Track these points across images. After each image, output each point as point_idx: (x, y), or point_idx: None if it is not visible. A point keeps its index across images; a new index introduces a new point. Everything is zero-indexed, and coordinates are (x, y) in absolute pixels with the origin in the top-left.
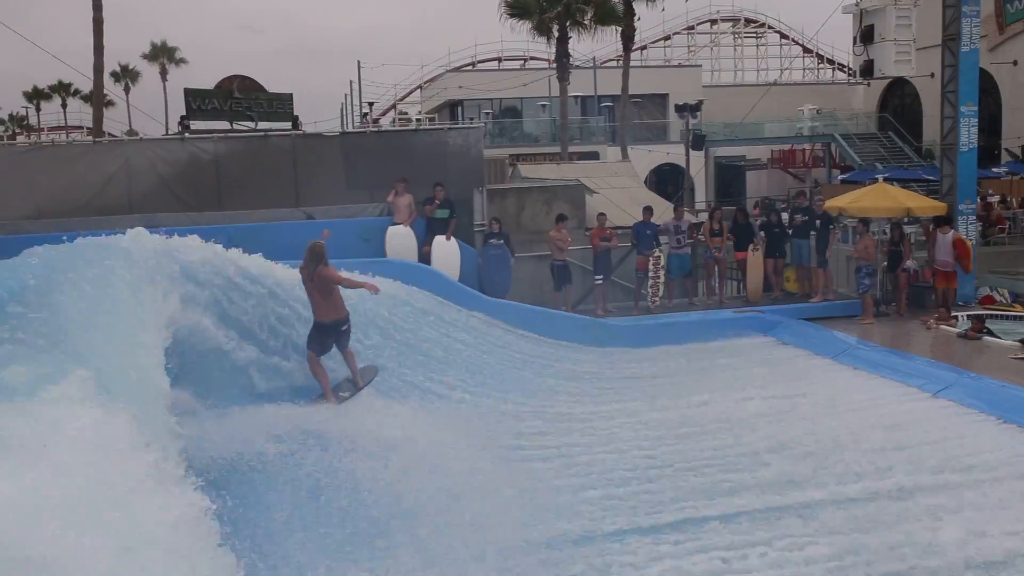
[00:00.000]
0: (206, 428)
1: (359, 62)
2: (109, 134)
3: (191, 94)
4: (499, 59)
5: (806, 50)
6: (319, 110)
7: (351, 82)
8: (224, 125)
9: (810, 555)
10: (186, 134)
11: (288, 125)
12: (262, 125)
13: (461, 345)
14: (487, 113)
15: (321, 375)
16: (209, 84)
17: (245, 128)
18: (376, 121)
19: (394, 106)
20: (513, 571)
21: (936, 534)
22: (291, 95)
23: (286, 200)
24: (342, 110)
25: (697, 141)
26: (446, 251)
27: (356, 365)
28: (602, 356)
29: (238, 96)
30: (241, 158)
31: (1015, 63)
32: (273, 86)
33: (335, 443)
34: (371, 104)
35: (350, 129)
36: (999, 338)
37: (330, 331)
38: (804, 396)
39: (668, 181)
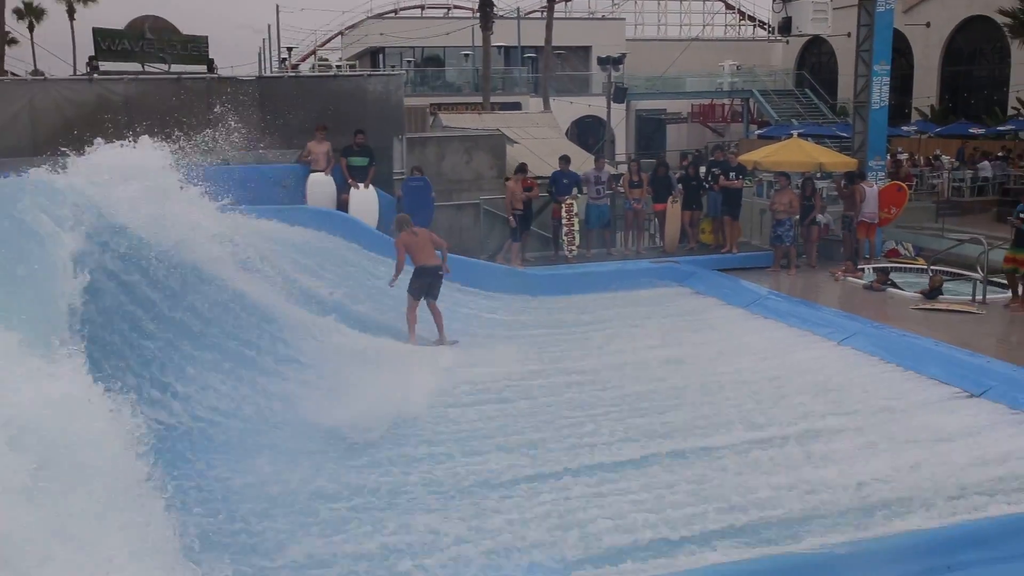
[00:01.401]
0: None
1: (277, 6)
2: (12, 73)
3: (100, 34)
4: (422, 7)
5: (728, 6)
6: (236, 55)
7: (269, 26)
8: (135, 67)
9: (710, 495)
10: (95, 75)
11: (203, 68)
12: (175, 68)
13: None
14: (409, 61)
15: (412, 320)
16: (120, 24)
17: (157, 70)
18: (295, 67)
19: (314, 52)
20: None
21: (835, 477)
22: (206, 37)
23: (201, 146)
24: (260, 55)
25: (619, 94)
26: (364, 199)
27: (442, 321)
28: (521, 305)
29: (150, 37)
30: (153, 101)
31: (928, 25)
32: (187, 28)
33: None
34: (290, 50)
35: (267, 74)
36: (902, 290)
37: (429, 273)
38: (716, 344)
39: (589, 133)
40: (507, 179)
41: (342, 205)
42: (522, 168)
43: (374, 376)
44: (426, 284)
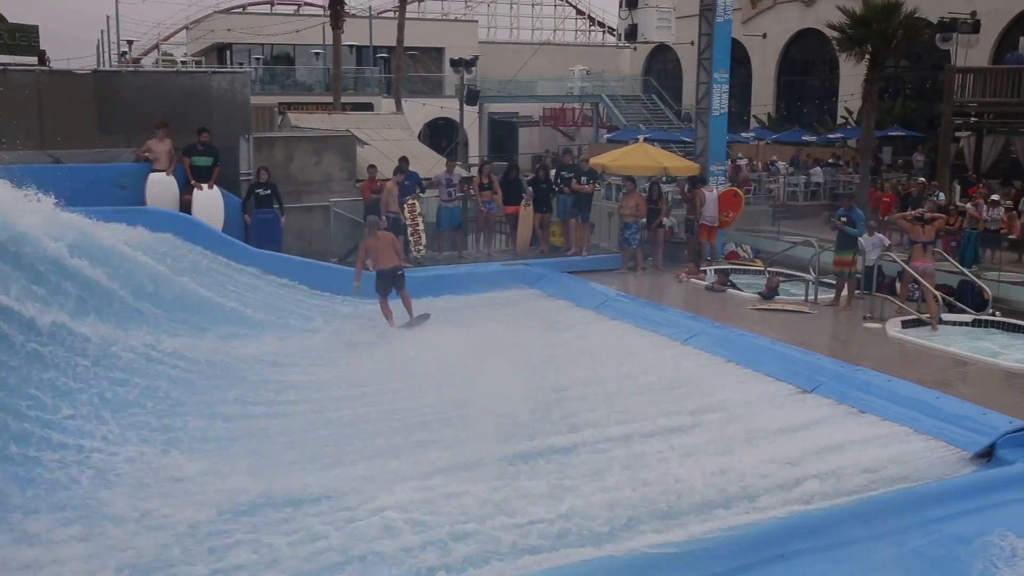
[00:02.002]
0: None
1: None
2: None
3: None
4: (271, 3)
5: (578, 11)
6: (74, 47)
7: (107, 18)
8: None
9: (556, 496)
10: None
11: (33, 60)
12: (1, 58)
13: (222, 298)
14: (257, 59)
15: (387, 313)
16: None
17: None
18: (137, 61)
19: (157, 46)
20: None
21: (680, 473)
22: (36, 27)
23: (29, 142)
24: (98, 48)
25: (471, 96)
26: (208, 200)
27: (411, 305)
28: (369, 309)
29: None
30: None
31: (764, 36)
32: (15, 16)
33: None
34: (130, 43)
35: (103, 68)
36: (741, 291)
37: (389, 276)
38: (565, 345)
39: (442, 135)
40: (366, 180)
41: (184, 206)
42: (371, 170)
43: None
44: (388, 285)
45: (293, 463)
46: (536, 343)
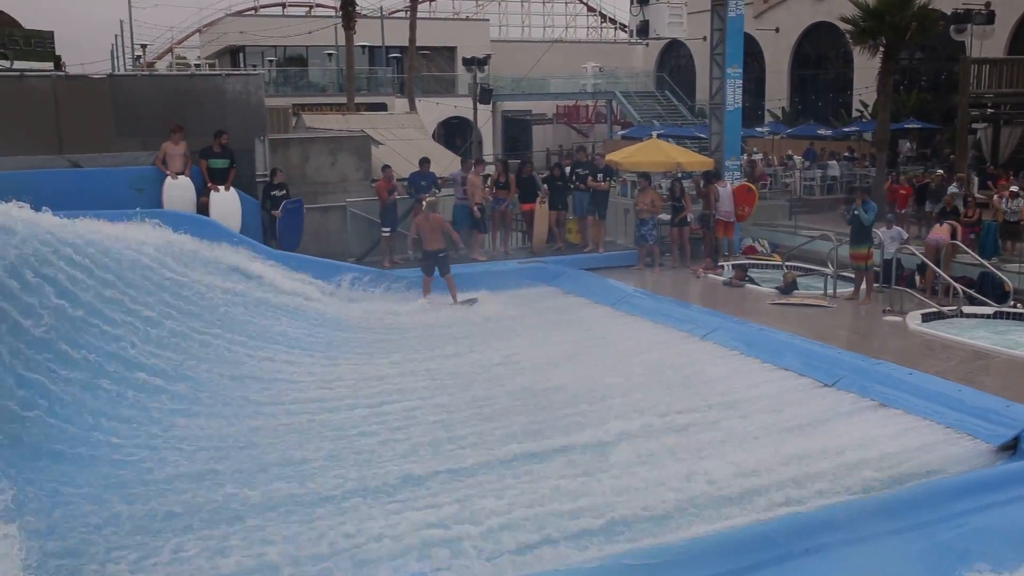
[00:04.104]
0: None
1: (129, 1)
2: None
3: None
4: (283, 4)
5: (590, 8)
6: (89, 51)
7: (121, 22)
8: None
9: (580, 492)
10: None
11: (49, 65)
12: (18, 64)
13: (238, 299)
14: (271, 61)
15: (425, 286)
16: None
17: None
18: (151, 65)
19: (170, 50)
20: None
21: (703, 468)
22: (52, 33)
23: (47, 147)
24: (112, 52)
25: (484, 95)
26: (225, 202)
27: (455, 287)
28: (386, 306)
29: None
30: None
31: (777, 30)
32: (30, 22)
33: None
34: (144, 47)
35: (119, 72)
36: (759, 285)
37: (432, 257)
38: (584, 342)
39: (456, 134)
40: (381, 180)
41: (201, 208)
42: (386, 169)
43: None
44: (431, 264)
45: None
46: (554, 340)
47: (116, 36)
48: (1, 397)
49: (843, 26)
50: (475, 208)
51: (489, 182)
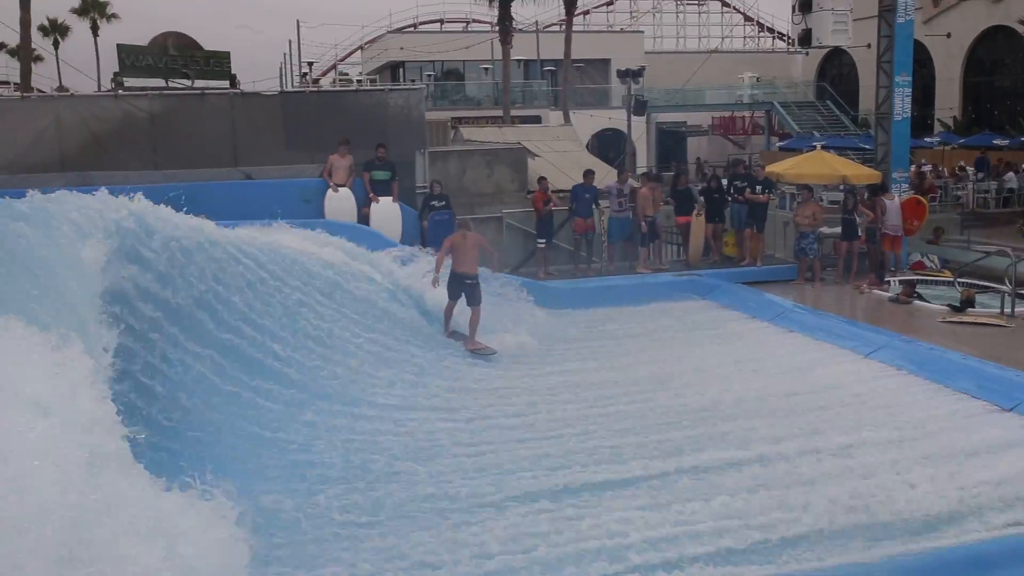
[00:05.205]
0: None
1: (298, 21)
2: (38, 90)
3: (124, 50)
4: (441, 21)
5: (747, 18)
6: (258, 69)
7: (290, 42)
8: (159, 83)
9: (741, 510)
10: (119, 91)
11: (226, 84)
12: (199, 83)
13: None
14: (429, 75)
15: (447, 315)
16: (143, 40)
17: (181, 86)
18: (316, 82)
19: (334, 67)
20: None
21: (866, 492)
22: (228, 53)
23: (224, 160)
24: (281, 70)
25: (639, 107)
26: (387, 213)
27: (476, 327)
28: (543, 318)
29: (173, 53)
30: (177, 117)
31: (948, 35)
32: (209, 44)
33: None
34: (311, 64)
35: (289, 89)
36: (928, 302)
37: (458, 280)
38: (741, 358)
39: (610, 146)
40: (537, 192)
41: (363, 219)
42: (541, 181)
43: None
44: (459, 289)
45: None
46: (709, 355)
47: (284, 54)
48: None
49: (1021, 29)
50: (643, 221)
51: (639, 195)
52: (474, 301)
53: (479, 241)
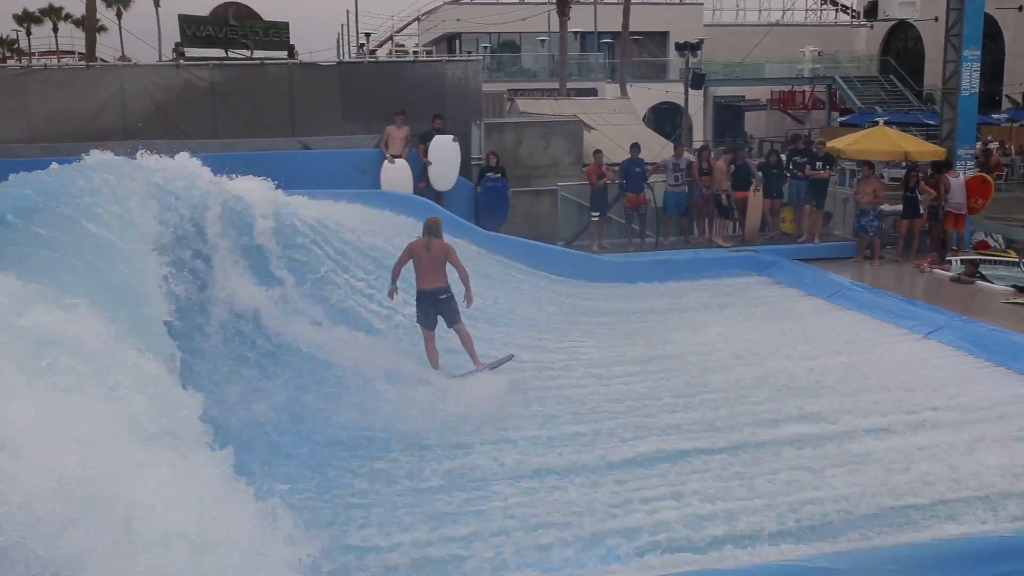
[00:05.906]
0: None
1: None
2: (101, 59)
3: (185, 20)
4: None
5: None
6: (315, 40)
7: (347, 12)
8: (219, 53)
9: (791, 488)
10: (181, 61)
11: (284, 54)
12: (258, 54)
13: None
14: (485, 47)
15: (430, 353)
16: (203, 11)
17: (240, 56)
18: (373, 53)
19: (391, 38)
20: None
21: (926, 474)
22: (287, 24)
23: (282, 130)
24: (338, 41)
25: (696, 80)
26: (445, 148)
27: (471, 345)
28: (595, 291)
29: (233, 24)
30: (237, 86)
31: (1020, 8)
32: (268, 14)
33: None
34: (368, 35)
35: (347, 59)
36: (991, 283)
37: (428, 299)
38: (797, 335)
39: (666, 120)
40: (592, 165)
41: (419, 193)
42: (597, 154)
43: None
44: (428, 311)
45: None
46: (763, 331)
47: (342, 25)
48: None
49: None
50: (723, 194)
51: (692, 169)
52: (454, 319)
53: (446, 251)
